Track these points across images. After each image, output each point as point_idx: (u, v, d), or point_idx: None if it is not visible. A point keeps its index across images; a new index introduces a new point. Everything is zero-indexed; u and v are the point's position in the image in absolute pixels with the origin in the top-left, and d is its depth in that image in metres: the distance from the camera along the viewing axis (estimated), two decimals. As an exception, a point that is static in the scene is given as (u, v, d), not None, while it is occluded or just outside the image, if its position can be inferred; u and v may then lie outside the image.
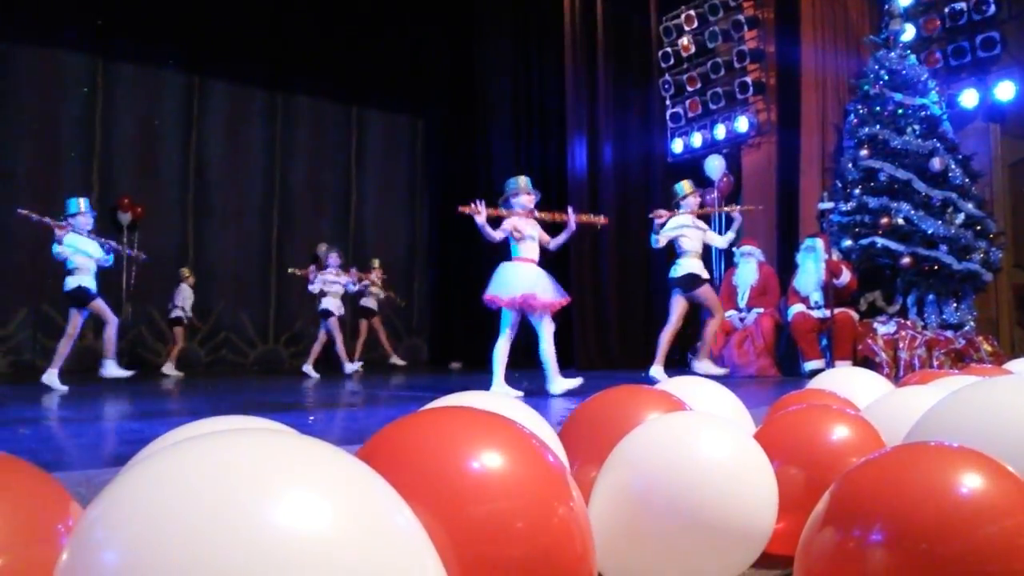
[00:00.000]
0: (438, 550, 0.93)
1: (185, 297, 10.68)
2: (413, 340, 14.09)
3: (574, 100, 10.98)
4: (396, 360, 11.23)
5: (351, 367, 9.37)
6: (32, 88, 10.77)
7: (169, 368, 10.04)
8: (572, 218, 5.62)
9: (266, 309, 12.64)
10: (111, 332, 7.01)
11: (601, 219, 5.93)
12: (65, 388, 6.56)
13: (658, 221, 6.79)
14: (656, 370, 6.51)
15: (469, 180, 12.89)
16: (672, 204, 6.94)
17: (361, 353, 11.13)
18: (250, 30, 11.68)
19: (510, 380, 5.45)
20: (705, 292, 6.67)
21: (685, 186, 6.94)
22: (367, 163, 13.80)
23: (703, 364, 6.74)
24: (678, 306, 6.72)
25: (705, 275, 6.71)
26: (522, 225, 5.44)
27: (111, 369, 6.91)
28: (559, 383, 5.38)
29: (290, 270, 10.31)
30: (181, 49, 11.82)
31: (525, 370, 5.64)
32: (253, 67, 12.41)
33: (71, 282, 6.81)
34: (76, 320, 6.86)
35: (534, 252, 5.47)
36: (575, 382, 5.43)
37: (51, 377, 6.64)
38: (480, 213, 5.28)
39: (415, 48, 13.15)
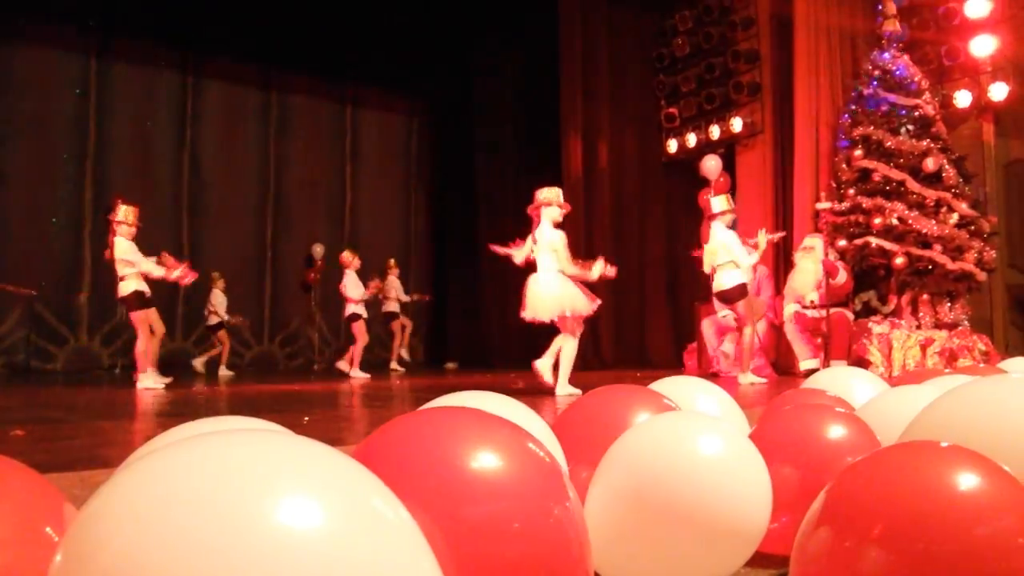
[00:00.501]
0: (434, 551, 0.92)
1: (219, 302, 10.73)
2: (410, 341, 14.09)
3: (569, 100, 10.99)
4: (395, 365, 11.24)
5: (355, 372, 9.32)
6: (25, 88, 10.75)
7: (223, 370, 10.41)
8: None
9: (261, 310, 12.64)
10: (141, 346, 7.11)
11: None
12: (168, 379, 7.01)
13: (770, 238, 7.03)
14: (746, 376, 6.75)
15: (464, 179, 12.90)
16: (706, 217, 7.11)
17: (397, 353, 11.26)
18: (244, 29, 11.67)
19: (508, 381, 5.51)
20: (749, 301, 6.78)
21: (729, 200, 7.07)
22: (362, 162, 13.80)
23: (747, 376, 6.79)
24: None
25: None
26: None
27: (144, 381, 6.98)
28: (566, 387, 5.42)
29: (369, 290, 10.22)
30: (175, 49, 11.81)
31: (522, 371, 5.65)
32: (247, 66, 12.41)
33: (127, 287, 7.04)
34: (143, 323, 7.10)
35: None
36: (578, 392, 5.49)
37: (147, 379, 6.92)
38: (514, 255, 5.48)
39: (410, 47, 13.14)
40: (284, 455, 0.89)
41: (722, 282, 6.75)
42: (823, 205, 7.78)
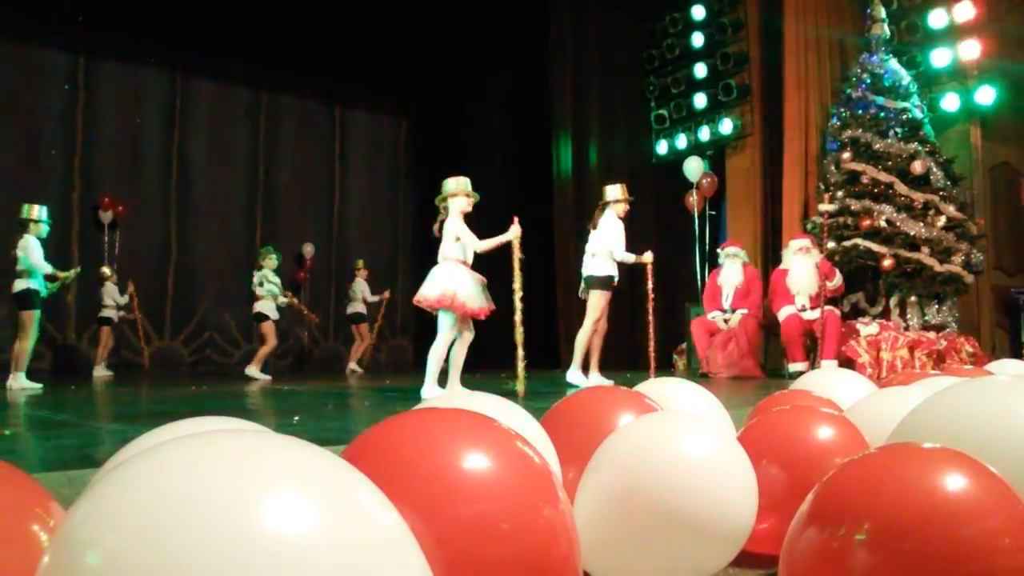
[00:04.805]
0: (424, 551, 0.92)
1: (113, 296, 10.42)
2: (398, 341, 14.07)
3: (559, 101, 10.99)
4: (354, 367, 11.16)
5: (252, 371, 9.26)
6: (13, 85, 10.68)
7: (100, 370, 10.01)
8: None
9: (249, 309, 12.57)
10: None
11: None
12: (39, 387, 6.67)
13: None
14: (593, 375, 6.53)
15: (453, 181, 12.86)
16: (607, 205, 6.69)
17: (359, 357, 11.20)
18: (234, 28, 11.62)
19: (499, 382, 5.46)
20: (604, 296, 6.55)
21: (624, 190, 6.76)
22: (351, 163, 13.77)
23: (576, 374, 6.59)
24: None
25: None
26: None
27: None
28: (432, 389, 5.33)
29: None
30: (164, 47, 11.75)
31: (512, 370, 5.64)
32: (237, 65, 12.36)
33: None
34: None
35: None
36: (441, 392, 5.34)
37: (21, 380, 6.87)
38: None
39: (400, 48, 13.12)
40: (272, 455, 0.89)
41: (592, 268, 6.47)
42: (826, 207, 7.76)
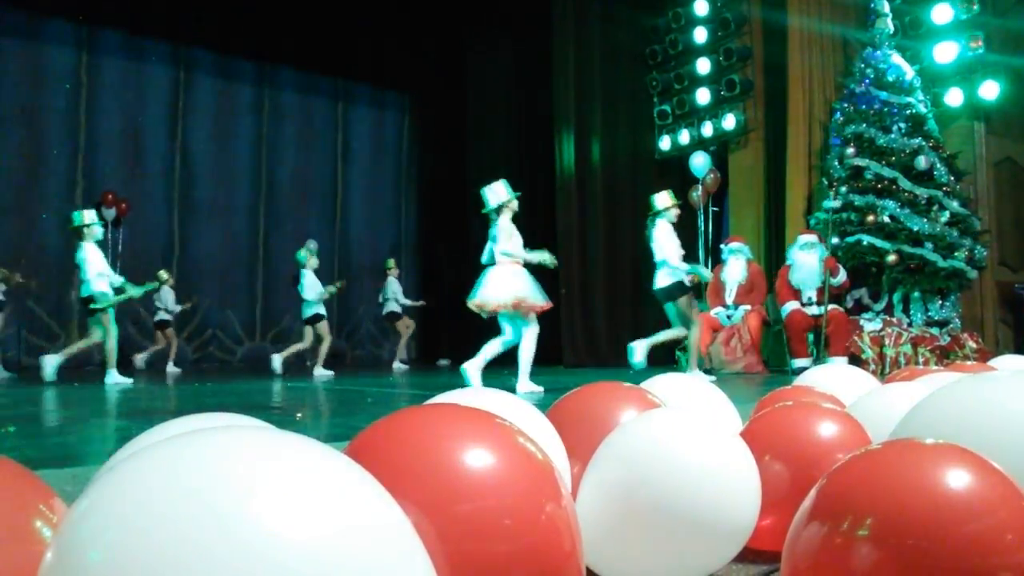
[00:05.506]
0: (427, 547, 0.92)
1: (168, 299, 10.62)
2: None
3: (562, 97, 10.98)
4: (397, 364, 11.21)
5: (324, 373, 9.30)
6: (15, 82, 10.70)
7: (171, 367, 10.34)
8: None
9: (253, 306, 12.62)
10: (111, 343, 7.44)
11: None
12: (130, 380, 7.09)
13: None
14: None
15: (455, 177, 12.89)
16: (657, 215, 6.61)
17: (402, 353, 11.23)
18: (237, 25, 11.63)
19: (503, 379, 5.51)
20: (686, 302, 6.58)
21: (672, 196, 6.70)
22: (354, 160, 13.79)
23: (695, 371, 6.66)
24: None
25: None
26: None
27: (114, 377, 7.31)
28: (527, 385, 5.43)
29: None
30: (166, 43, 11.77)
31: (515, 367, 5.66)
32: (239, 62, 12.37)
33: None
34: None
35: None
36: (539, 389, 5.48)
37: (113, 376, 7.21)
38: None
39: (403, 45, 13.12)
40: (276, 452, 0.89)
41: (657, 281, 6.51)
42: (830, 203, 7.75)
